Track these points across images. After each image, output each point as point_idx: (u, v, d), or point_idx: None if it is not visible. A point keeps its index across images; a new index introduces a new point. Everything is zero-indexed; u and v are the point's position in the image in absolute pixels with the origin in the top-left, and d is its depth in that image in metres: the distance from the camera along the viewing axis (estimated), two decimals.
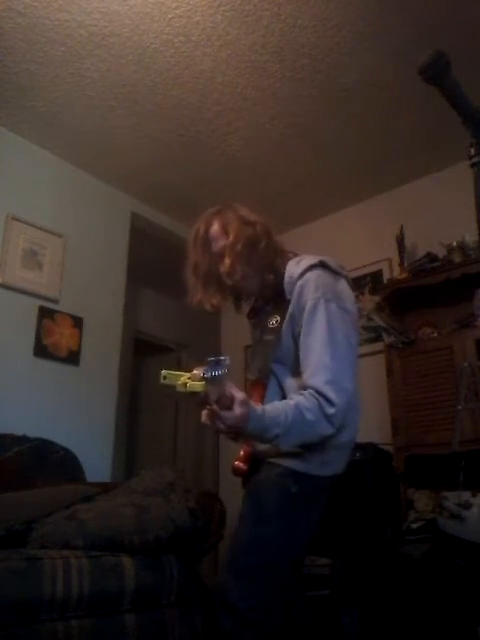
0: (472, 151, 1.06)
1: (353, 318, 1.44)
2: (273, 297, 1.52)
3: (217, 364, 1.05)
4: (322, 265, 1.43)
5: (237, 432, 1.23)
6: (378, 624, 2.17)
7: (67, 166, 3.24)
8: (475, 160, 1.06)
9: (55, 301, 2.99)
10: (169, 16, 2.31)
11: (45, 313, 2.92)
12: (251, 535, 1.36)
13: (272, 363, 1.46)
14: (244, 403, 1.16)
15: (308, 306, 1.37)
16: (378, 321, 3.03)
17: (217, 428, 1.18)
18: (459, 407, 2.29)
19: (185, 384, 1.06)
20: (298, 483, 1.35)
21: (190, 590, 1.84)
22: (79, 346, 3.04)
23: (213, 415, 1.16)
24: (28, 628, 1.45)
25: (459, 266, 2.79)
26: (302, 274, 1.42)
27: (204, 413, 1.18)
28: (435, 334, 2.88)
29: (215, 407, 1.15)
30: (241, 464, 1.46)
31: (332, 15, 2.29)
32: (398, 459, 2.72)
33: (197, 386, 1.06)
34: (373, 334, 3.28)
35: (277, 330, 1.45)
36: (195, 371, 1.07)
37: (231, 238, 1.45)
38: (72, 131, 2.99)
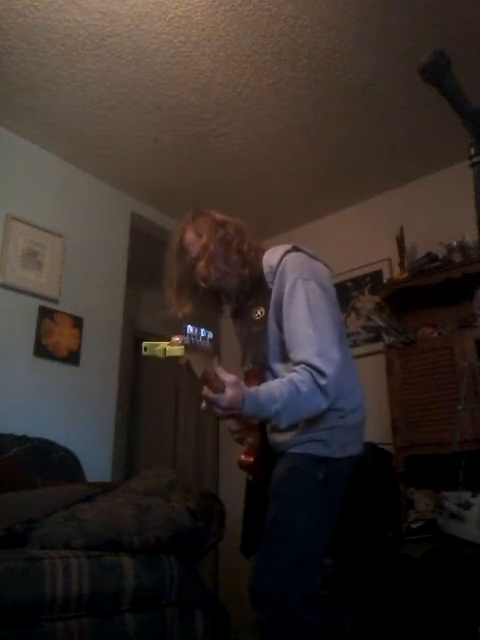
0: (472, 151, 1.07)
1: (332, 295, 1.49)
2: (253, 290, 1.57)
3: (196, 332, 1.07)
4: (296, 249, 1.50)
5: (235, 414, 1.25)
6: (378, 624, 2.17)
7: (67, 166, 3.24)
8: (475, 160, 1.06)
9: (55, 301, 2.99)
10: (169, 16, 2.31)
11: (45, 313, 2.92)
12: (286, 532, 1.36)
13: (262, 352, 1.49)
14: (235, 384, 1.20)
15: (287, 287, 1.43)
16: (378, 321, 3.03)
17: (215, 413, 1.21)
18: (459, 407, 2.29)
19: (164, 350, 1.06)
20: (323, 469, 1.38)
21: (190, 590, 1.84)
22: (79, 346, 3.04)
23: (208, 401, 1.19)
24: (28, 628, 1.45)
25: (459, 266, 2.78)
26: (280, 260, 1.48)
27: (203, 399, 1.21)
28: (435, 334, 2.88)
29: (207, 391, 1.17)
30: (247, 457, 1.45)
31: (332, 15, 2.29)
32: (398, 459, 2.72)
33: (176, 350, 1.05)
34: (373, 334, 3.27)
35: (263, 321, 1.50)
36: (174, 338, 1.07)
37: (204, 240, 1.51)
38: (72, 131, 2.99)
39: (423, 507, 2.53)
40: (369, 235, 3.49)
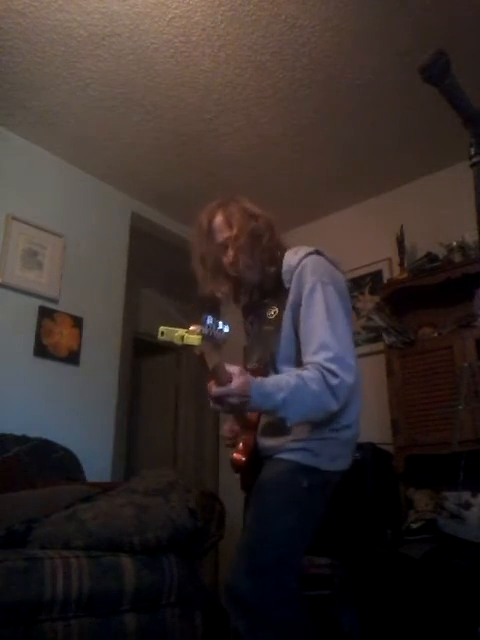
0: (472, 151, 1.07)
1: (349, 304, 1.48)
2: (272, 289, 1.54)
3: (215, 323, 1.06)
4: (318, 253, 1.48)
5: (243, 405, 1.23)
6: (378, 624, 2.17)
7: (67, 166, 3.24)
8: (475, 160, 1.06)
9: (55, 301, 2.99)
10: (169, 16, 2.31)
11: (45, 313, 2.92)
12: (265, 532, 1.35)
13: (271, 352, 1.47)
14: (241, 373, 1.19)
15: (306, 289, 1.40)
16: (378, 321, 3.02)
17: (224, 406, 1.21)
18: (459, 407, 2.29)
19: (182, 337, 1.05)
20: (309, 478, 1.36)
21: (190, 590, 1.84)
22: (79, 346, 3.04)
23: (217, 396, 1.18)
24: (28, 628, 1.45)
25: (459, 266, 2.78)
26: (300, 261, 1.45)
27: (211, 396, 1.20)
28: (435, 334, 2.88)
29: (212, 385, 1.17)
30: (240, 456, 1.45)
31: (332, 15, 2.29)
32: (398, 459, 2.72)
33: (194, 339, 1.04)
34: (373, 334, 3.27)
35: (276, 321, 1.47)
36: (193, 327, 1.06)
37: (235, 230, 1.48)
38: (72, 131, 2.99)
39: (423, 507, 2.52)
40: (369, 235, 3.49)
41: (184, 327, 1.07)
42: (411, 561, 2.20)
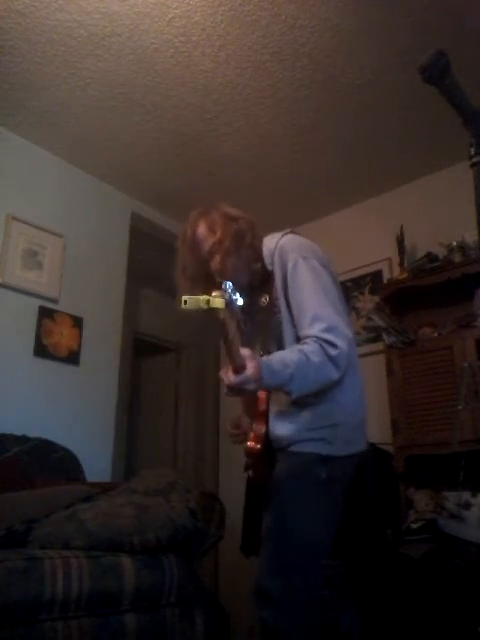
0: (472, 151, 1.07)
1: (333, 273, 1.51)
2: (259, 283, 1.58)
3: (231, 290, 1.07)
4: (292, 232, 1.54)
5: (256, 389, 1.27)
6: (378, 624, 2.17)
7: (67, 166, 3.24)
8: (475, 160, 1.06)
9: (55, 301, 2.99)
10: (169, 16, 2.31)
11: (45, 313, 2.92)
12: (288, 530, 1.36)
13: (272, 337, 1.49)
14: (252, 357, 1.22)
15: (289, 266, 1.44)
16: (378, 321, 3.02)
17: (243, 393, 1.24)
18: (459, 407, 2.29)
19: (208, 301, 1.04)
20: (326, 468, 1.37)
21: (190, 590, 1.84)
22: (79, 346, 3.04)
23: (235, 385, 1.20)
24: (28, 628, 1.45)
25: (459, 266, 2.78)
26: (277, 242, 1.51)
27: (226, 380, 1.22)
28: (435, 334, 2.88)
29: (229, 375, 1.20)
30: (254, 443, 1.45)
31: (332, 15, 2.29)
32: (398, 459, 2.72)
33: (219, 302, 1.04)
34: (373, 334, 3.27)
35: (269, 306, 1.51)
36: (215, 292, 1.06)
37: (218, 235, 1.51)
38: (72, 131, 2.99)
39: (423, 507, 2.53)
40: (369, 235, 3.49)
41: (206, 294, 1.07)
42: (411, 561, 2.20)
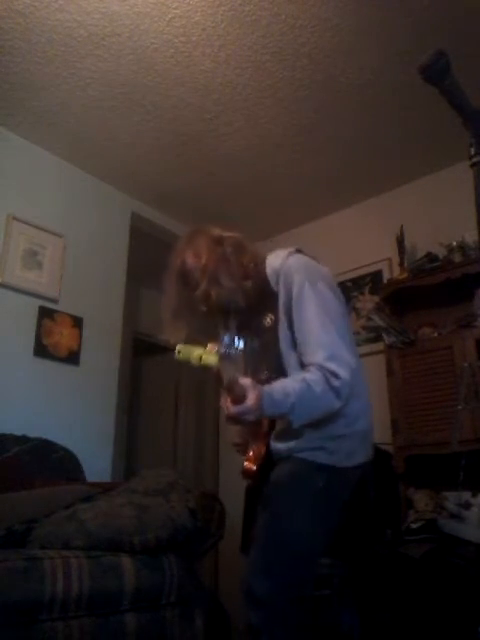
0: (472, 151, 1.07)
1: (340, 296, 1.49)
2: (259, 300, 1.54)
3: (230, 342, 1.09)
4: (298, 251, 1.51)
5: (256, 418, 1.26)
6: (378, 624, 2.17)
7: (67, 166, 3.24)
8: (475, 160, 1.06)
9: (55, 301, 2.99)
10: (169, 16, 2.31)
11: (45, 313, 2.92)
12: (281, 532, 1.36)
13: (277, 358, 1.47)
14: (254, 387, 1.22)
15: (295, 291, 1.42)
16: (378, 321, 3.02)
17: (240, 423, 1.25)
18: (459, 407, 2.29)
19: (200, 357, 1.09)
20: (324, 476, 1.37)
21: (190, 590, 1.84)
22: (79, 346, 3.04)
23: (235, 416, 1.21)
24: (28, 628, 1.45)
25: (459, 266, 2.78)
26: (283, 262, 1.48)
27: (226, 411, 1.23)
28: (435, 334, 2.88)
29: (229, 405, 1.20)
30: (251, 465, 1.46)
31: (332, 15, 2.29)
32: (398, 459, 2.72)
33: (211, 360, 1.09)
34: (373, 334, 3.27)
35: (274, 328, 1.48)
36: (210, 346, 1.11)
37: (203, 262, 1.49)
38: (72, 131, 2.99)
39: (423, 507, 2.53)
40: (369, 235, 3.49)
41: (202, 346, 1.11)
42: (411, 561, 2.20)
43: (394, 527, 2.52)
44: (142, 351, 4.16)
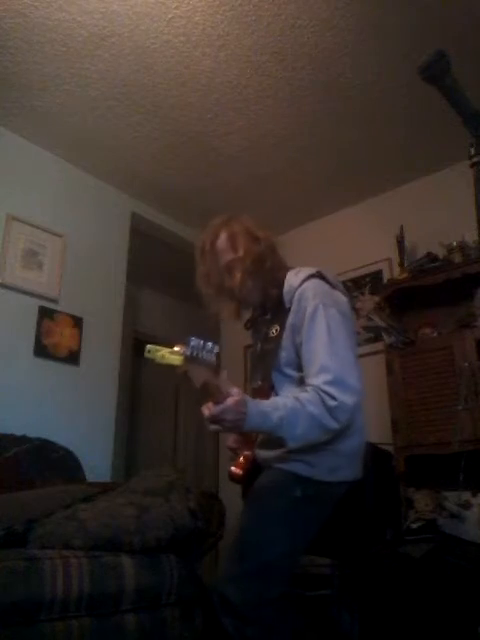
0: (472, 151, 1.07)
1: (351, 324, 1.49)
2: (273, 307, 1.56)
3: (200, 345, 1.09)
4: (319, 275, 1.49)
5: (239, 424, 1.24)
6: (378, 624, 2.17)
7: (67, 166, 3.24)
8: (475, 160, 1.06)
9: (55, 301, 2.99)
10: (169, 16, 2.31)
11: (45, 313, 2.92)
12: (253, 539, 1.36)
13: (272, 371, 1.48)
14: (238, 393, 1.21)
15: (308, 312, 1.41)
16: (378, 321, 3.02)
17: (220, 426, 1.23)
18: (459, 407, 2.29)
19: (162, 356, 1.09)
20: (303, 488, 1.37)
21: (190, 590, 1.84)
22: (79, 346, 3.04)
23: (212, 418, 1.21)
24: (28, 628, 1.45)
25: (459, 266, 2.78)
26: (301, 283, 1.47)
27: (206, 411, 1.24)
28: (435, 334, 2.88)
29: (207, 408, 1.20)
30: (237, 469, 1.48)
31: (332, 15, 2.29)
32: (398, 459, 2.72)
33: (173, 359, 1.09)
34: (373, 334, 3.27)
35: (277, 339, 1.49)
36: (176, 348, 1.10)
37: (241, 254, 1.49)
38: (72, 131, 2.99)
39: (423, 507, 2.53)
40: (369, 235, 3.49)
41: (170, 346, 1.10)
42: (411, 561, 2.20)
43: (394, 527, 2.52)
44: (142, 351, 4.16)
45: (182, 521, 1.82)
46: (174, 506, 1.86)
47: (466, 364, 2.40)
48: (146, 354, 1.09)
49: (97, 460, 2.93)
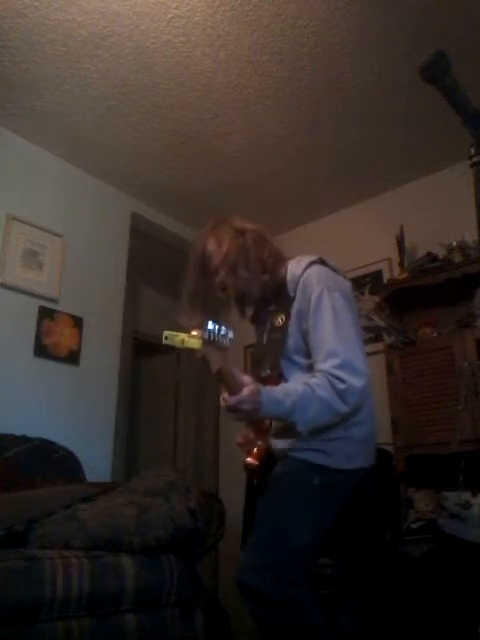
0: (472, 151, 1.07)
1: (355, 308, 1.52)
2: (274, 297, 1.58)
3: (216, 330, 1.11)
4: (321, 261, 1.53)
5: (256, 413, 1.29)
6: (378, 624, 2.17)
7: (67, 166, 3.24)
8: (475, 160, 1.06)
9: (55, 301, 2.99)
10: (169, 16, 2.31)
11: (45, 313, 2.92)
12: (276, 528, 1.38)
13: (281, 359, 1.50)
14: (251, 382, 1.26)
15: (313, 297, 1.44)
16: (378, 321, 3.02)
17: (236, 416, 1.28)
18: (459, 407, 2.29)
19: (182, 340, 1.10)
20: (321, 476, 1.39)
21: (190, 590, 1.84)
22: (79, 346, 3.04)
23: (229, 407, 1.25)
24: (28, 628, 1.45)
25: (459, 266, 2.78)
26: (304, 270, 1.50)
27: (223, 403, 1.28)
28: (435, 334, 2.88)
29: (226, 398, 1.24)
30: (253, 460, 1.49)
31: (332, 15, 2.29)
32: (398, 459, 2.72)
33: (193, 343, 1.10)
34: (373, 334, 3.27)
35: (283, 328, 1.51)
36: (194, 332, 1.12)
37: (223, 250, 1.52)
38: (72, 131, 2.99)
39: (423, 507, 2.52)
40: (369, 235, 3.49)
41: (187, 332, 1.12)
42: (411, 561, 2.20)
43: (394, 527, 2.52)
44: (142, 351, 4.16)
45: (182, 521, 1.82)
46: (174, 506, 1.86)
47: (466, 364, 2.40)
48: (164, 341, 1.10)
49: (97, 460, 2.93)
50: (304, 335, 1.46)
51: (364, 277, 3.46)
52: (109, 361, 3.22)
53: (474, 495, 2.32)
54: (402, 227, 3.11)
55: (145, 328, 4.03)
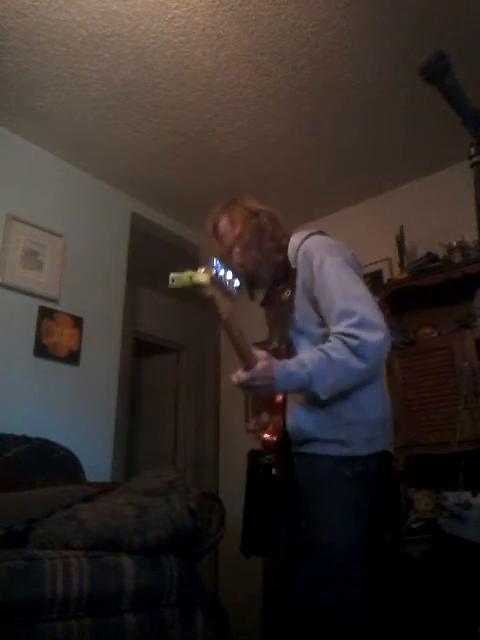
0: (472, 151, 1.06)
1: (359, 270, 1.51)
2: (283, 276, 1.57)
3: (225, 271, 1.05)
4: (320, 232, 1.55)
5: (269, 388, 1.27)
6: (378, 623, 2.17)
7: (67, 166, 3.24)
8: (475, 160, 1.06)
9: (55, 301, 2.99)
10: (169, 16, 2.31)
11: (45, 313, 2.92)
12: (326, 534, 1.35)
13: (289, 331, 1.49)
14: (265, 357, 1.24)
15: (315, 265, 1.44)
16: None
17: (253, 391, 1.26)
18: (459, 407, 2.29)
19: (190, 277, 1.04)
20: (349, 466, 1.36)
21: (190, 590, 1.84)
22: (79, 346, 3.04)
23: (243, 384, 1.23)
24: (28, 628, 1.45)
25: (459, 266, 2.78)
26: (303, 240, 1.51)
27: (235, 379, 1.25)
28: (435, 334, 2.88)
29: (239, 374, 1.22)
30: (270, 436, 1.43)
31: (332, 15, 2.29)
32: (398, 459, 2.72)
33: (202, 277, 1.03)
34: None
35: (290, 300, 1.50)
36: (201, 269, 1.05)
37: (238, 230, 1.53)
38: (72, 131, 2.99)
39: (423, 507, 2.53)
40: (369, 235, 3.48)
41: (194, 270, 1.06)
42: (410, 561, 2.20)
43: (394, 527, 2.52)
44: (142, 351, 4.16)
45: (182, 521, 1.82)
46: (174, 506, 1.85)
47: (466, 364, 2.40)
48: (171, 284, 1.04)
49: (97, 460, 2.93)
50: (314, 304, 1.44)
51: (364, 277, 3.44)
52: (109, 361, 3.22)
53: (474, 495, 2.32)
54: (402, 227, 3.11)
55: (145, 328, 4.03)
